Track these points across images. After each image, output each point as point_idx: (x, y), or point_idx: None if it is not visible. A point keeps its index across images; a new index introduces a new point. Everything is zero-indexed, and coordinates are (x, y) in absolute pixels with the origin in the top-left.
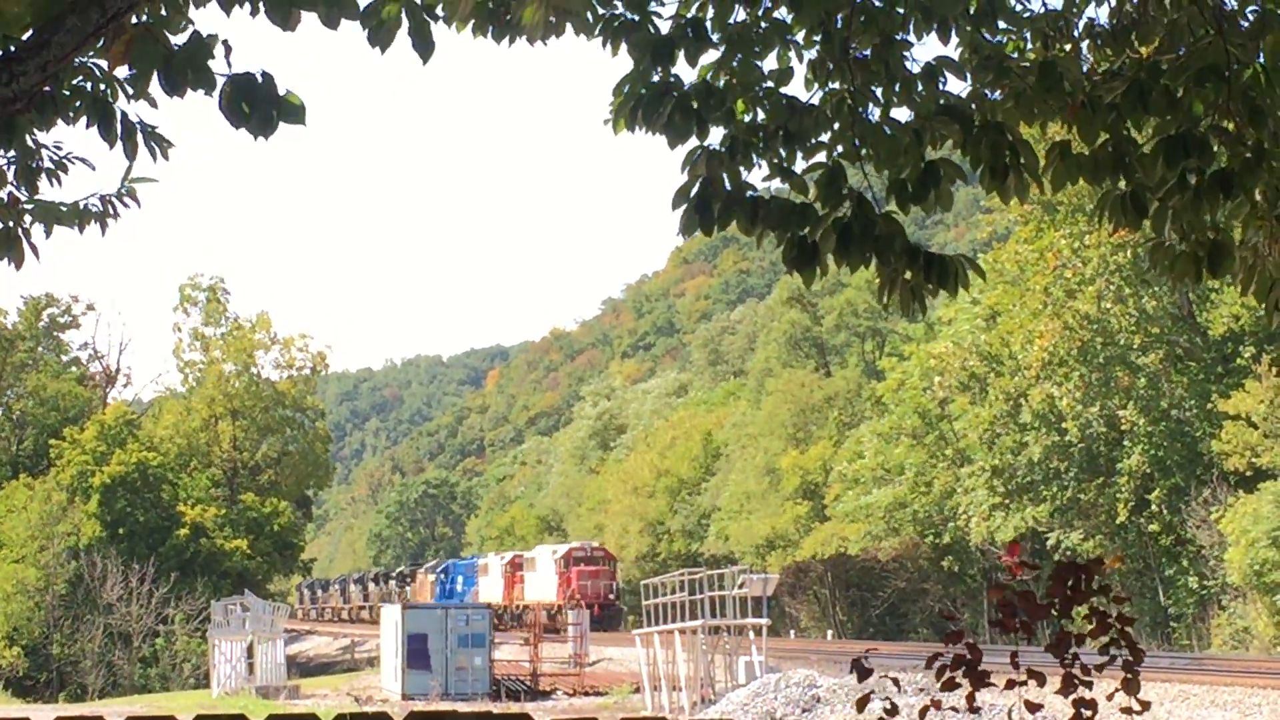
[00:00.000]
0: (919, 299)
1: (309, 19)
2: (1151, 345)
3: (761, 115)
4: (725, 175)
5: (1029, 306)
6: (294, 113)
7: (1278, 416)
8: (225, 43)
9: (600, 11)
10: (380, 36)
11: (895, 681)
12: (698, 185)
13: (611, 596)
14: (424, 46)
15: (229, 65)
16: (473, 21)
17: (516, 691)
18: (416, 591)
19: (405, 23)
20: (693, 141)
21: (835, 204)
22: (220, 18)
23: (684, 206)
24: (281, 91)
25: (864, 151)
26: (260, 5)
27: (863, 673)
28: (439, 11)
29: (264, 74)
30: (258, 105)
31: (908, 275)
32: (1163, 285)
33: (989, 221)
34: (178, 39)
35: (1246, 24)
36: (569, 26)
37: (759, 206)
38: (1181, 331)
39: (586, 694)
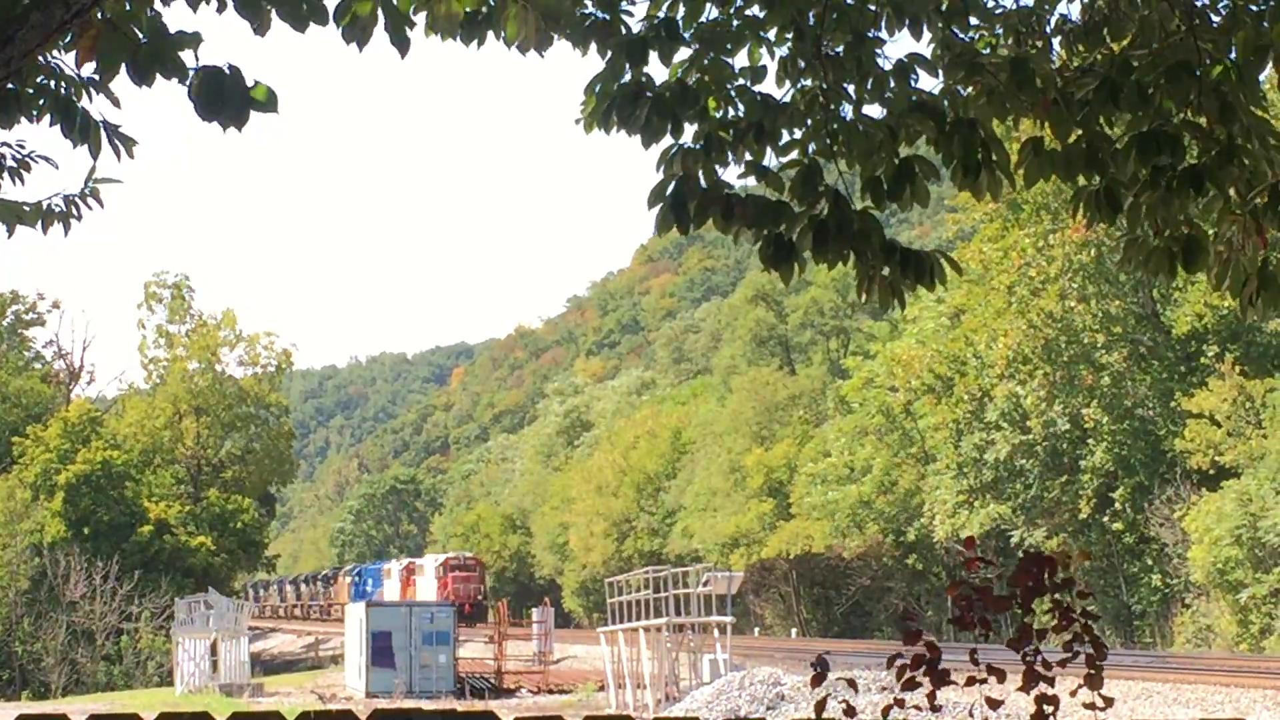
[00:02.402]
0: (897, 295)
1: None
2: (1115, 344)
3: (734, 113)
4: (700, 173)
5: (993, 305)
6: (265, 103)
7: (1240, 415)
8: (195, 35)
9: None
10: (354, 33)
11: (852, 683)
12: (673, 184)
13: (480, 597)
14: (401, 41)
15: (196, 59)
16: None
17: (481, 689)
18: (337, 592)
19: (381, 19)
20: (667, 140)
21: (811, 201)
22: (187, 14)
23: (660, 205)
24: (250, 84)
25: (837, 148)
26: (229, 3)
27: (818, 678)
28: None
29: (231, 67)
30: (227, 99)
31: (885, 271)
32: (1127, 284)
33: (955, 220)
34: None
35: (1217, 20)
36: (554, 36)
37: (735, 204)
38: (1145, 330)
39: (551, 691)
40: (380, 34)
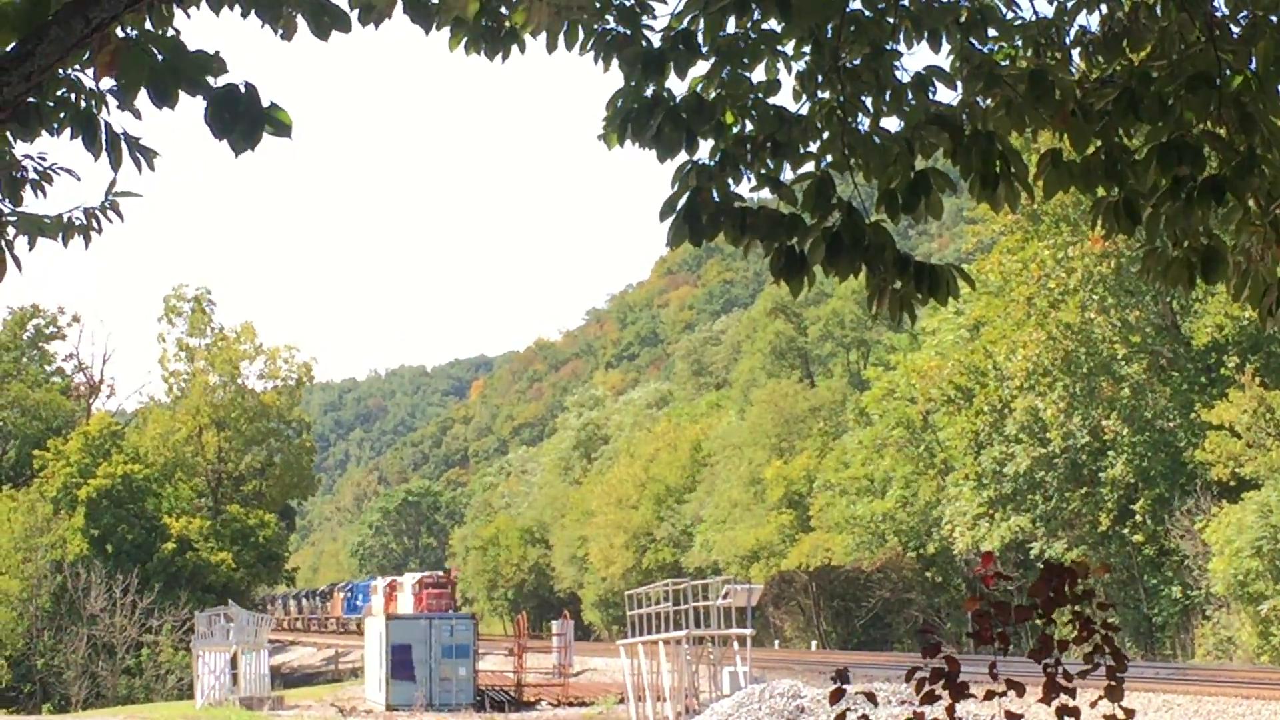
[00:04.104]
0: (908, 309)
1: (304, 27)
2: (1135, 355)
3: (750, 126)
4: (714, 187)
5: (1013, 317)
6: (280, 126)
7: (1261, 426)
8: (217, 54)
9: (594, 26)
10: (370, 17)
11: (871, 696)
12: (685, 196)
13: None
14: (424, 19)
15: (214, 77)
16: (465, 40)
17: (501, 702)
18: (333, 607)
19: (399, 5)
20: (682, 155)
21: (824, 214)
22: (208, 20)
23: (672, 218)
24: (266, 104)
25: (853, 161)
26: (251, 9)
27: (838, 691)
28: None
29: (248, 85)
30: (241, 118)
31: (897, 285)
32: (1146, 295)
33: (974, 232)
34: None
35: (1238, 31)
36: (561, 40)
37: (747, 217)
38: (1165, 341)
39: (571, 704)
40: (400, 41)
